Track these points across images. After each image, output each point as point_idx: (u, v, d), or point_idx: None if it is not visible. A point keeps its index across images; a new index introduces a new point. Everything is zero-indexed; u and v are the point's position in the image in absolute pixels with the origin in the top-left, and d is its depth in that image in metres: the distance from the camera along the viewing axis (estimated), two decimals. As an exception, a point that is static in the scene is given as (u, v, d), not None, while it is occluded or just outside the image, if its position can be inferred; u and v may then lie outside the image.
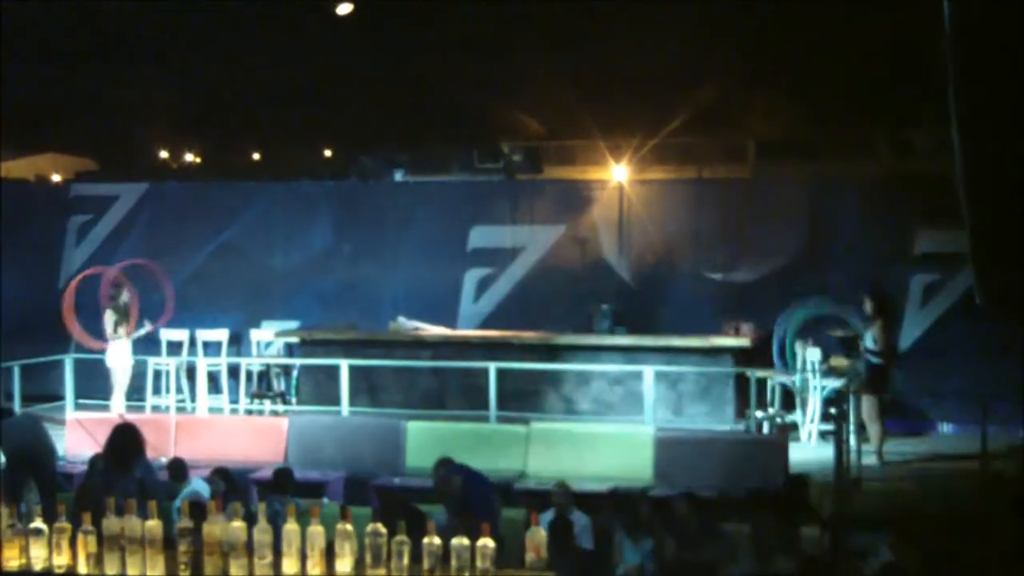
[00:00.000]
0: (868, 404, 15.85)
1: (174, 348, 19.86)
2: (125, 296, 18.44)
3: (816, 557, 11.05)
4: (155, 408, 19.22)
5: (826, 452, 14.98)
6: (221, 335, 20.03)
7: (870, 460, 15.63)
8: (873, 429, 15.86)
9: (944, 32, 8.80)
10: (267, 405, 19.19)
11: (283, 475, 13.27)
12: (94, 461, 12.53)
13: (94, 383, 19.32)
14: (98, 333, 18.66)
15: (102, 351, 18.44)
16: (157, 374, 19.55)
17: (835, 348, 17.64)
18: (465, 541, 7.01)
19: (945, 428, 17.94)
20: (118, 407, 18.16)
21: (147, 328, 18.86)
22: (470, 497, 12.47)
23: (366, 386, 18.33)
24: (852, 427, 15.27)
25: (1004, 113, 9.28)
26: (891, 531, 10.94)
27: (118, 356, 18.33)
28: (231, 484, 12.85)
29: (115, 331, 18.31)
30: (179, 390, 19.46)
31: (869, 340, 16.00)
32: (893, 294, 17.09)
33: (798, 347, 17.40)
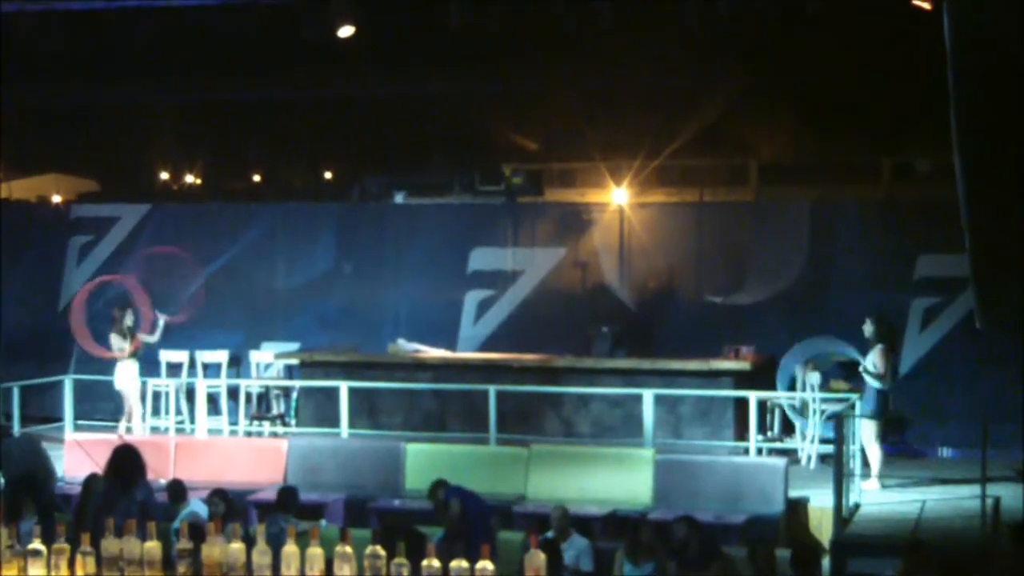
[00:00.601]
0: (867, 428, 15.83)
1: (173, 369, 19.85)
2: (129, 319, 18.39)
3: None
4: (154, 429, 19.19)
5: (825, 476, 14.99)
6: (221, 356, 20.02)
7: (870, 484, 15.61)
8: (872, 453, 15.84)
9: (945, 59, 8.83)
10: (267, 427, 19.17)
11: (287, 494, 13.27)
12: (89, 482, 12.49)
13: (94, 404, 19.32)
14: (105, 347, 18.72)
15: (111, 359, 18.44)
16: (156, 395, 19.53)
17: (835, 372, 17.65)
18: (464, 564, 7.00)
19: (945, 452, 17.92)
20: (136, 429, 18.13)
21: (164, 319, 18.82)
22: (468, 519, 12.48)
23: (366, 408, 18.32)
24: (852, 451, 15.24)
25: (1005, 139, 9.31)
26: (896, 557, 10.89)
27: (126, 378, 18.27)
28: (229, 506, 12.84)
29: (122, 352, 18.26)
30: (178, 411, 19.44)
31: (869, 364, 15.98)
32: (894, 318, 17.08)
33: (798, 370, 17.39)
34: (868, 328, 16.18)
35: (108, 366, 18.77)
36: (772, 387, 17.46)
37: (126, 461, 11.98)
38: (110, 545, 7.36)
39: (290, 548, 7.17)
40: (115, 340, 18.33)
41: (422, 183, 31.30)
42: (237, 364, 20.28)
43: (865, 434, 15.80)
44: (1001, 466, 15.02)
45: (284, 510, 12.81)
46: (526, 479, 15.57)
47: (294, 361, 19.37)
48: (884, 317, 16.36)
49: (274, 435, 18.74)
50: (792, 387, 17.51)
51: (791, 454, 16.70)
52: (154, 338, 18.85)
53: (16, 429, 17.41)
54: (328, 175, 47.53)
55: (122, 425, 18.25)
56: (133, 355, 18.32)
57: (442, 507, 12.83)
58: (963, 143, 9.25)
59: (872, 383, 15.91)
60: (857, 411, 15.72)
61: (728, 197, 36.44)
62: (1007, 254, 10.63)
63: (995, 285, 11.23)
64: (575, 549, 12.73)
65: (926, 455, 17.90)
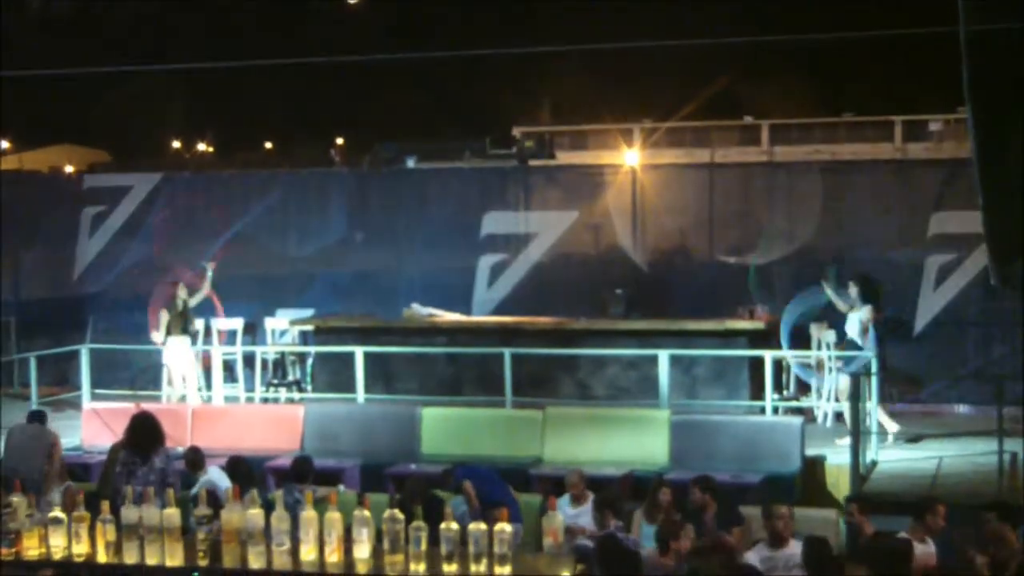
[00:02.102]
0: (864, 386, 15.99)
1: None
2: (184, 294, 18.25)
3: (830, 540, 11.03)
4: (171, 398, 19.22)
5: (841, 434, 15.00)
6: (236, 324, 20.03)
7: (887, 442, 15.62)
8: (880, 413, 15.86)
9: (957, 16, 8.80)
10: (283, 393, 19.20)
11: (302, 464, 13.24)
12: (114, 450, 12.54)
13: (111, 374, 19.36)
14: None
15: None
16: (172, 363, 19.53)
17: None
18: (483, 526, 7.03)
19: (961, 408, 17.91)
20: (172, 396, 18.12)
21: (211, 266, 18.71)
22: (485, 497, 12.48)
23: (381, 373, 18.33)
24: (870, 408, 15.24)
25: (1019, 96, 9.29)
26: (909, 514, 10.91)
27: (172, 354, 18.22)
28: (245, 473, 12.84)
29: (167, 331, 18.15)
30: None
31: (856, 324, 16.05)
32: (908, 275, 17.08)
33: (813, 329, 17.38)
34: (853, 290, 16.24)
35: (124, 336, 18.81)
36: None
37: (145, 429, 12.00)
38: (130, 513, 7.40)
39: (309, 514, 7.21)
40: (163, 316, 18.21)
41: (433, 148, 31.30)
42: (252, 331, 20.30)
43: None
44: (1017, 422, 15.00)
45: (299, 480, 12.80)
46: (542, 442, 15.58)
47: (309, 327, 19.38)
48: (867, 278, 16.39)
49: (290, 401, 18.76)
50: (796, 341, 17.50)
51: (807, 413, 16.70)
52: (204, 290, 18.65)
53: (34, 400, 17.41)
54: (339, 142, 47.60)
55: (191, 395, 18.23)
56: (184, 331, 18.23)
57: (457, 490, 12.85)
58: (976, 99, 9.22)
59: (859, 343, 16.02)
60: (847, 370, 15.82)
61: (740, 157, 36.43)
62: (1022, 208, 10.61)
63: (1009, 240, 11.20)
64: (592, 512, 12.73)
65: (942, 412, 17.89)
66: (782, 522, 10.81)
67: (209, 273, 18.71)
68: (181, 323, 18.18)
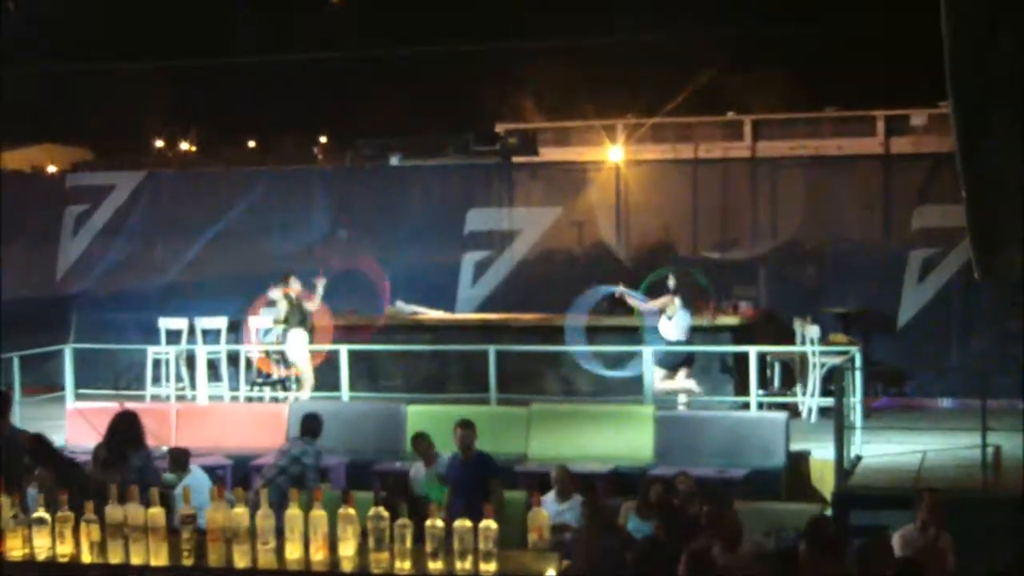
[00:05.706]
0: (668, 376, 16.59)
1: (173, 336, 19.82)
2: (296, 285, 18.05)
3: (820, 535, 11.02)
4: (155, 397, 19.19)
5: (826, 429, 15.00)
6: (220, 323, 19.98)
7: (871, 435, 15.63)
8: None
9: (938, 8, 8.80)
10: (267, 392, 19.14)
11: (312, 419, 14.02)
12: (97, 450, 12.50)
13: (95, 373, 19.30)
14: None
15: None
16: (156, 363, 19.50)
17: (834, 326, 17.66)
18: (467, 523, 7.01)
19: (945, 403, 17.93)
20: (304, 396, 17.97)
21: (323, 282, 18.38)
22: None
23: (366, 371, 18.32)
24: (852, 403, 15.25)
25: (1002, 88, 9.28)
26: (897, 508, 10.92)
27: (296, 347, 18.09)
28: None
29: (287, 323, 18.02)
30: (179, 378, 19.42)
31: (680, 318, 16.35)
32: (892, 269, 17.09)
33: (796, 324, 17.40)
34: (671, 283, 16.48)
35: (108, 335, 18.74)
36: (771, 342, 17.46)
37: (124, 429, 11.99)
38: (114, 512, 7.37)
39: (293, 511, 7.19)
40: (281, 309, 18.12)
41: (416, 145, 31.26)
42: (236, 330, 20.23)
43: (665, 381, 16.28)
44: (1001, 415, 15.01)
45: (313, 435, 13.64)
46: (527, 438, 15.59)
47: (293, 326, 19.31)
48: (687, 273, 16.57)
49: (275, 400, 18.73)
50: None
51: (792, 408, 16.71)
52: (315, 304, 18.38)
53: (16, 399, 17.30)
54: (323, 139, 47.54)
55: (300, 394, 18.08)
56: (301, 324, 18.09)
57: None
58: (958, 91, 9.23)
59: (668, 336, 16.31)
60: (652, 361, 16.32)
61: (723, 153, 36.44)
62: (1005, 202, 10.62)
63: (992, 234, 11.21)
64: (577, 509, 12.73)
65: (926, 405, 17.91)
66: (733, 524, 10.80)
67: (320, 290, 18.32)
68: (299, 315, 18.02)
